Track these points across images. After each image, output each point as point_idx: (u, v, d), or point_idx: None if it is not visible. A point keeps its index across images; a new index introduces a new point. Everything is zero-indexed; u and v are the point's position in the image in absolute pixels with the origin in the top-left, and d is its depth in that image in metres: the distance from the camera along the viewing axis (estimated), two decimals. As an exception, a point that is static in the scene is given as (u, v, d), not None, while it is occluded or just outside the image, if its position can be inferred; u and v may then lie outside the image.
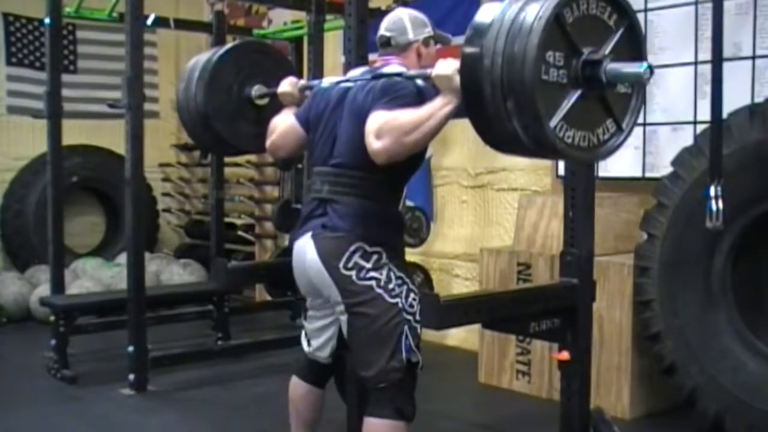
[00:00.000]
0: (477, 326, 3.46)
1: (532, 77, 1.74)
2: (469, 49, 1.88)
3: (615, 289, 3.54)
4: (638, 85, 1.95)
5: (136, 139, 3.98)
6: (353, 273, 2.28)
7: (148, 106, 4.49)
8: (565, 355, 2.47)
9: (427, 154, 5.13)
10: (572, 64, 1.83)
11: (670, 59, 3.84)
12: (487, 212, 4.89)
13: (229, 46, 3.31)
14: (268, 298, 5.97)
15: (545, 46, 1.76)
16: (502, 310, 2.39)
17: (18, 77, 6.70)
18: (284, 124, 2.62)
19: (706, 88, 3.33)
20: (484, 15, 1.89)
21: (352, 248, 2.28)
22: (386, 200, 2.39)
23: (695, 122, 3.71)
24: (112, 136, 6.30)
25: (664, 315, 3.30)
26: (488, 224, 4.88)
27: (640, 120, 3.91)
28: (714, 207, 2.96)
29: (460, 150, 5.01)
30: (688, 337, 3.24)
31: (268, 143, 2.69)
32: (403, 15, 2.52)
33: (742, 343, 3.18)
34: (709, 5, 3.23)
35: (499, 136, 1.90)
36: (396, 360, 2.27)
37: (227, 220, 5.95)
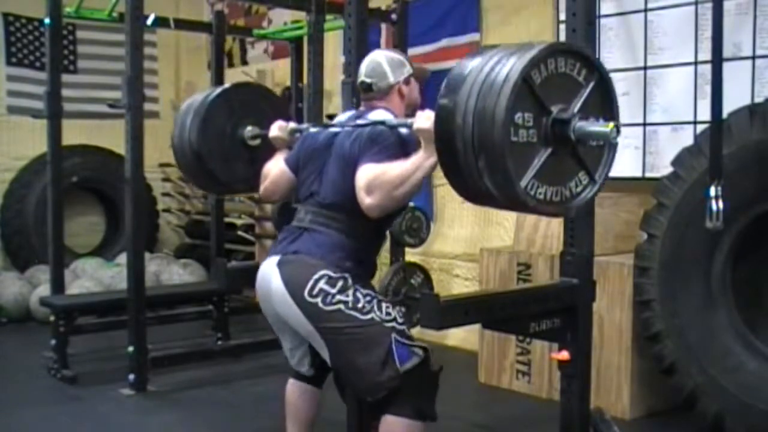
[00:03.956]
0: (477, 326, 3.46)
1: (501, 139, 1.75)
2: (443, 102, 1.89)
3: (615, 289, 3.54)
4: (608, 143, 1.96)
5: (136, 139, 3.98)
6: (318, 300, 2.29)
7: (148, 106, 4.49)
8: (565, 355, 2.46)
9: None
10: (542, 122, 1.83)
11: (670, 59, 3.84)
12: (487, 212, 4.88)
13: (220, 89, 3.38)
14: (268, 298, 5.96)
15: (513, 109, 1.76)
16: (502, 310, 2.39)
17: (18, 77, 6.70)
18: (275, 170, 2.71)
19: (706, 88, 3.33)
20: (459, 69, 1.90)
21: (316, 276, 2.30)
22: (366, 242, 2.44)
23: (695, 122, 3.71)
24: (112, 136, 6.30)
25: (664, 315, 3.30)
26: (488, 224, 4.88)
27: (640, 120, 3.96)
28: (714, 207, 2.96)
29: (460, 150, 5.00)
30: (688, 337, 3.24)
31: (261, 189, 2.78)
32: (381, 59, 2.57)
33: (742, 343, 3.18)
34: (709, 5, 3.23)
35: (473, 192, 1.93)
36: (390, 369, 2.27)
37: (227, 220, 5.95)
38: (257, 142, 3.27)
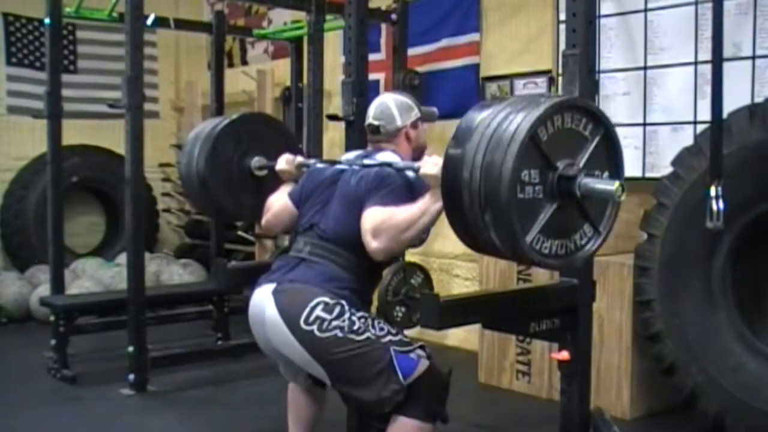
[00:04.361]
0: (477, 326, 3.46)
1: (508, 197, 1.77)
2: (451, 153, 1.92)
3: (615, 289, 3.54)
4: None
5: (136, 139, 3.98)
6: (314, 327, 2.26)
7: (148, 106, 4.49)
8: (565, 355, 2.46)
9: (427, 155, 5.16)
10: (548, 178, 1.86)
11: (670, 59, 3.84)
12: (487, 212, 4.88)
13: (228, 119, 3.41)
14: (268, 298, 5.95)
15: (520, 168, 1.79)
16: (502, 310, 2.39)
17: (18, 77, 6.70)
18: (278, 203, 2.74)
19: (706, 88, 3.33)
20: (467, 122, 1.92)
21: (313, 303, 2.28)
22: (363, 277, 2.43)
23: (695, 122, 3.71)
24: (112, 136, 6.30)
25: (664, 315, 3.30)
26: (488, 224, 4.88)
27: (640, 120, 3.96)
28: (714, 207, 2.96)
29: (460, 150, 5.00)
30: (688, 337, 3.24)
31: (263, 221, 2.81)
32: (389, 102, 2.61)
33: (742, 343, 3.18)
34: (709, 5, 3.23)
35: (479, 243, 1.95)
36: (393, 383, 2.27)
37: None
38: (264, 172, 3.31)
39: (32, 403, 3.89)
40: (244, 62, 7.16)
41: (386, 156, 2.49)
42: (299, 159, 2.90)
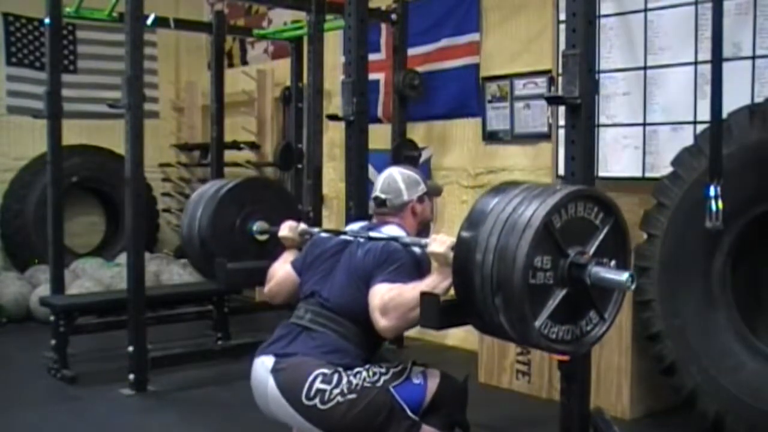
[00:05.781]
0: (477, 326, 3.45)
1: (520, 282, 1.81)
2: (464, 235, 1.95)
3: (615, 289, 3.54)
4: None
5: (136, 139, 3.97)
6: (317, 401, 2.27)
7: (148, 106, 4.49)
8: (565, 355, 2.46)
9: (427, 155, 5.16)
10: (559, 264, 1.90)
11: (670, 59, 3.83)
12: (487, 212, 4.87)
13: (232, 183, 3.41)
14: (268, 298, 5.96)
15: (534, 254, 1.82)
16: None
17: (18, 77, 6.71)
18: (281, 272, 2.75)
19: (706, 88, 3.33)
20: (481, 205, 1.96)
21: (312, 377, 2.28)
22: (364, 347, 2.42)
23: (695, 122, 3.71)
24: (112, 136, 6.31)
25: (664, 315, 3.30)
26: (488, 224, 4.87)
27: (640, 120, 3.96)
28: (714, 207, 2.96)
29: (460, 150, 5.00)
30: (688, 337, 3.23)
31: (266, 290, 2.82)
32: (397, 176, 2.62)
33: (742, 343, 3.18)
34: (709, 5, 3.23)
35: (487, 325, 1.97)
36: (405, 420, 2.28)
37: (227, 220, 5.94)
38: (265, 237, 3.32)
39: (32, 403, 3.89)
40: (244, 62, 7.16)
41: (392, 230, 2.50)
42: (302, 226, 2.92)
